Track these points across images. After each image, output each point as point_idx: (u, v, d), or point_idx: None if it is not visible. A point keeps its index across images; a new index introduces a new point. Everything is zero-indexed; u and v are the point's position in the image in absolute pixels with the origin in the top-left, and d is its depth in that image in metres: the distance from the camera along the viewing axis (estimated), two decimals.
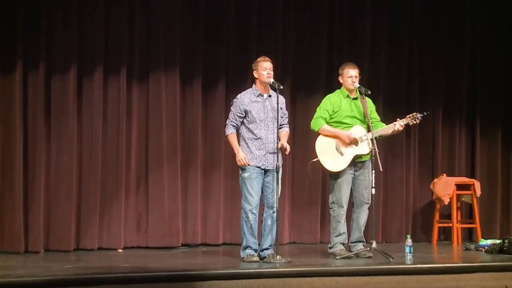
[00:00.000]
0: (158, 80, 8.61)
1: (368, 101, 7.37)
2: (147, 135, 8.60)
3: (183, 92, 8.78)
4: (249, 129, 6.89)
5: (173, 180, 8.61)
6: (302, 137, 8.93)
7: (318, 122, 7.28)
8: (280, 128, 6.94)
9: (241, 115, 6.88)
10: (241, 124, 6.93)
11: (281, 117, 6.95)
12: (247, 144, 6.85)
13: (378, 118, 7.49)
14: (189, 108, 8.80)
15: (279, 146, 6.74)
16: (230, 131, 6.90)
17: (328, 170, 7.28)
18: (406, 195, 9.69)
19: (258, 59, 6.99)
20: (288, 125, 7.13)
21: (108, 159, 8.36)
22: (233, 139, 6.85)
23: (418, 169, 9.77)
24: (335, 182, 7.28)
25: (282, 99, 7.04)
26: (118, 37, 8.37)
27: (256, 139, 6.84)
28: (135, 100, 8.59)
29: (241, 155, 6.75)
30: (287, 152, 6.86)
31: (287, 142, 6.90)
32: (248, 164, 6.75)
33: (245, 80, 8.57)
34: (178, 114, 8.66)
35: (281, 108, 6.95)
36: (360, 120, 7.34)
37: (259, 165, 6.86)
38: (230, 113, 7.01)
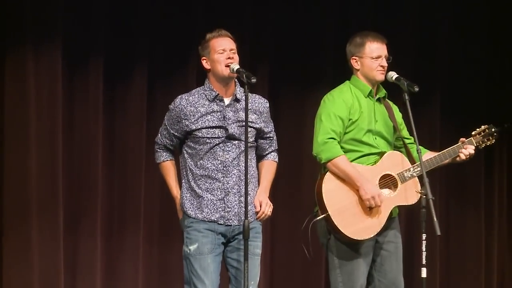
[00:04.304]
0: (22, 60, 7.08)
1: (394, 108, 5.99)
2: (1, 163, 7.07)
3: (71, 84, 7.19)
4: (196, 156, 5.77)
5: (49, 247, 6.99)
6: (289, 170, 7.49)
7: (330, 147, 5.68)
8: (262, 157, 5.65)
9: (179, 133, 5.63)
10: (182, 148, 5.68)
11: (262, 135, 5.69)
12: (190, 183, 5.57)
13: (412, 138, 6.02)
14: (82, 114, 7.22)
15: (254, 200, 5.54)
16: (162, 159, 5.68)
17: (344, 236, 5.65)
18: (487, 277, 8.09)
19: (208, 35, 5.62)
20: (276, 152, 5.76)
21: None
22: (166, 170, 5.60)
23: (509, 227, 8.27)
24: (339, 257, 5.75)
25: (259, 102, 5.67)
26: None
27: (206, 175, 5.61)
28: None
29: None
30: (261, 217, 5.50)
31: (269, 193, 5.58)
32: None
33: (185, 66, 7.27)
34: (60, 123, 7.08)
35: (259, 113, 5.64)
36: (386, 140, 5.80)
37: (213, 218, 5.50)
38: (161, 127, 5.79)
